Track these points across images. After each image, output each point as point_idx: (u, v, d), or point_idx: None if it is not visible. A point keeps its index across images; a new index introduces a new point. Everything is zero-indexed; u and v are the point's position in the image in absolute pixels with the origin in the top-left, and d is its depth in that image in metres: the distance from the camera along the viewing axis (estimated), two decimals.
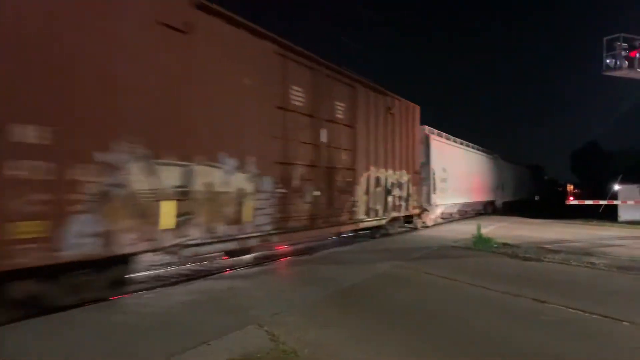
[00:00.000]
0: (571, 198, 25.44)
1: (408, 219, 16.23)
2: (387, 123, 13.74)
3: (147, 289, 7.21)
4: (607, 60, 18.53)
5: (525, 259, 10.05)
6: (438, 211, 19.85)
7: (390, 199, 13.87)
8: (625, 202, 21.25)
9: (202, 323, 5.28)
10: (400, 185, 14.59)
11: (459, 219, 23.66)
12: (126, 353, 4.40)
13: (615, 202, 21.61)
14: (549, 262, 9.68)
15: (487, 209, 29.16)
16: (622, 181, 22.05)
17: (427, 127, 18.56)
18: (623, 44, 18.15)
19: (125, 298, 6.57)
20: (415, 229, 17.04)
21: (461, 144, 23.60)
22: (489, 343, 4.74)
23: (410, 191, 15.44)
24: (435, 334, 5.05)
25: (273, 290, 7.07)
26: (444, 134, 20.73)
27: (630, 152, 40.83)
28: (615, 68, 18.42)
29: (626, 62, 18.20)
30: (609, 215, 21.85)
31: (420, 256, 10.45)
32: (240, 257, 10.49)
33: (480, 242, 12.04)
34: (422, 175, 17.10)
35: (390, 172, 13.88)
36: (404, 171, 14.92)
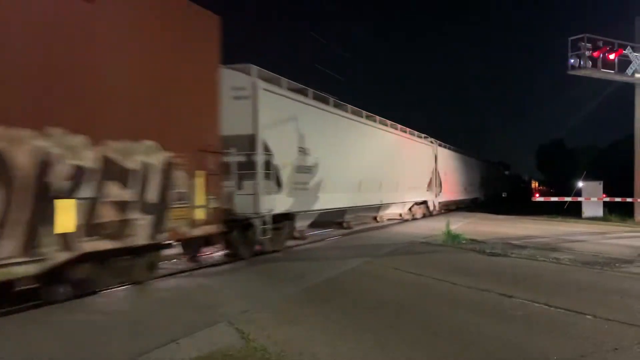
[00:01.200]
0: (537, 195, 26.00)
1: (202, 244, 8.69)
2: (62, 17, 5.70)
3: (114, 287, 7.06)
4: (572, 60, 18.95)
5: (492, 254, 10.22)
6: (297, 224, 11.78)
7: (57, 209, 5.47)
8: (589, 198, 21.81)
9: (172, 321, 5.21)
10: (123, 175, 6.38)
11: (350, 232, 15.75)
12: (91, 353, 4.31)
13: (579, 199, 22.14)
14: (515, 257, 9.87)
15: (416, 213, 21.82)
16: (586, 178, 22.61)
17: (254, 68, 10.07)
18: (587, 44, 18.58)
19: (92, 297, 6.43)
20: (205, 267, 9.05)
21: (354, 113, 15.06)
22: (455, 336, 4.80)
23: (178, 189, 7.28)
24: (404, 328, 5.10)
25: (243, 287, 7.04)
26: (311, 90, 12.38)
27: (592, 149, 41.95)
28: (579, 68, 18.85)
29: (590, 62, 18.64)
30: (574, 211, 22.37)
31: (389, 252, 10.53)
32: (211, 255, 10.40)
33: (449, 239, 12.21)
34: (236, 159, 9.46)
35: (64, 140, 5.58)
36: (148, 143, 6.77)
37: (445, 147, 26.18)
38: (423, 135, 22.44)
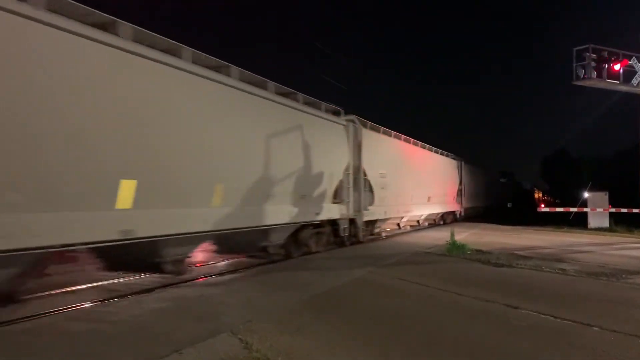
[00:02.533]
0: (542, 205, 25.93)
1: None
2: None
3: (119, 297, 7.07)
4: (577, 71, 18.95)
5: (497, 265, 10.16)
6: None
7: None
8: (595, 209, 21.72)
9: (174, 331, 5.19)
10: None
11: None
12: None
13: (585, 210, 22.05)
14: (520, 268, 9.80)
15: (309, 243, 12.23)
16: (592, 189, 22.53)
17: None
18: (592, 55, 18.60)
19: (95, 305, 6.45)
20: None
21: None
22: (461, 348, 4.76)
23: None
24: (408, 339, 5.05)
25: (246, 297, 7.01)
26: None
27: (598, 159, 41.76)
28: (584, 78, 18.84)
29: (595, 73, 18.64)
30: (579, 222, 22.25)
31: (393, 262, 10.49)
32: (214, 264, 10.39)
33: (454, 249, 12.16)
34: None
35: None
36: None
37: (381, 131, 16.55)
38: (331, 106, 13.42)
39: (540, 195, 65.76)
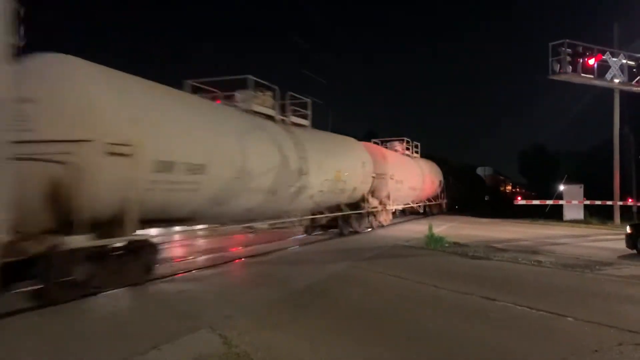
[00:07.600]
0: (519, 198, 26.29)
1: None
2: None
3: (95, 293, 6.96)
4: (553, 65, 19.19)
5: (475, 257, 10.28)
6: None
7: None
8: (570, 201, 22.08)
9: (153, 327, 5.14)
10: None
11: None
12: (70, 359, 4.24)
13: (560, 202, 22.41)
14: (497, 260, 9.94)
15: None
16: (567, 181, 22.89)
17: None
18: (567, 49, 18.85)
19: (71, 302, 6.34)
20: None
21: None
22: (439, 340, 4.81)
23: None
24: (387, 333, 5.09)
25: (225, 292, 6.98)
26: None
27: (574, 153, 42.36)
28: (560, 73, 19.09)
29: (570, 67, 18.91)
30: (555, 214, 22.60)
31: (373, 256, 10.55)
32: (194, 259, 10.33)
33: (432, 242, 12.25)
34: None
35: None
36: None
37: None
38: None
39: (510, 188, 63.07)
